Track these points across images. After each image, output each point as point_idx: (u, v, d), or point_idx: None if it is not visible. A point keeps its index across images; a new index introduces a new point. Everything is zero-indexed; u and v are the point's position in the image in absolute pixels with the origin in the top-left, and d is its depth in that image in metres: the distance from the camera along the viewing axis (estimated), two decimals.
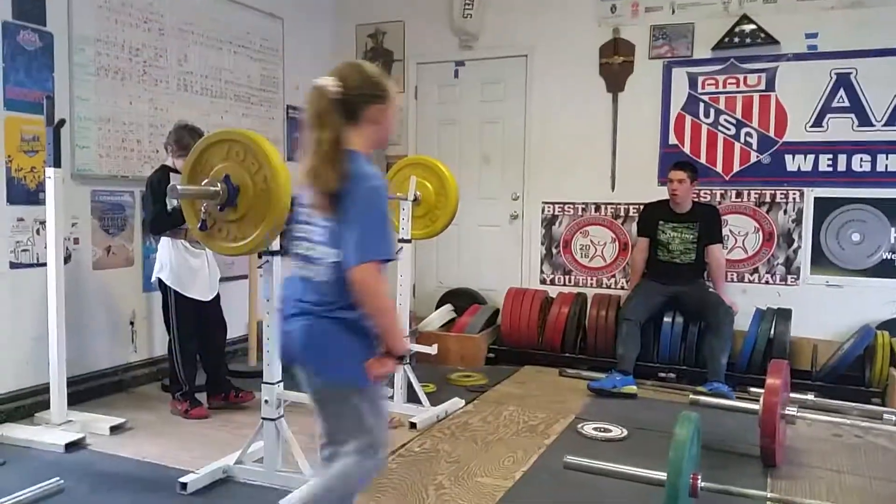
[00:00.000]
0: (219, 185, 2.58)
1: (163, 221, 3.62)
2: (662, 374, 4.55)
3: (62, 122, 3.35)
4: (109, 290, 4.16)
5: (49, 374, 3.40)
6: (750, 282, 4.88)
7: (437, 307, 5.46)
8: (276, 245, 2.86)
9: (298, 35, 5.62)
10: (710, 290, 4.56)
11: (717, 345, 4.21)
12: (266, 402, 2.87)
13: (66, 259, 3.81)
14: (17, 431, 3.32)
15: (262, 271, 2.90)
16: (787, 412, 3.11)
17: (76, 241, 3.94)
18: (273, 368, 2.88)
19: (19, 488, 2.27)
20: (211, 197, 2.60)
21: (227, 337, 4.03)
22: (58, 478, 2.27)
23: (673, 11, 5.04)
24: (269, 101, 5.43)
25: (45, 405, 3.45)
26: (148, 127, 4.37)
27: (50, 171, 3.32)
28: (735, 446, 3.33)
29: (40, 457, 3.11)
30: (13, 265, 3.58)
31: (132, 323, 4.31)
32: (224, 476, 2.92)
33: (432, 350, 3.89)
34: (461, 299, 5.50)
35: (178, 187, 2.55)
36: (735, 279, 4.88)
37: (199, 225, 2.67)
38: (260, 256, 2.89)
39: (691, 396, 3.35)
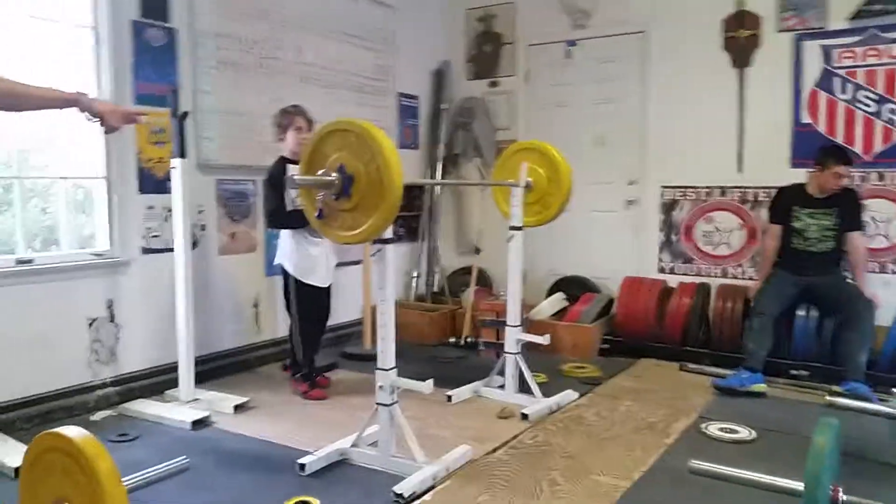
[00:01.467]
0: (334, 174, 2.61)
1: (280, 217, 3.70)
2: (794, 372, 4.23)
3: (186, 114, 3.50)
4: (234, 275, 4.34)
5: (178, 353, 3.58)
6: (894, 273, 4.45)
7: (548, 295, 5.34)
8: (389, 233, 2.86)
9: (409, 23, 5.62)
10: (849, 281, 4.18)
11: (856, 340, 3.86)
12: (381, 387, 2.89)
13: (194, 245, 4.00)
14: (149, 407, 3.52)
15: (375, 259, 2.91)
16: None
17: (202, 227, 4.12)
18: (387, 355, 2.89)
19: (150, 463, 2.38)
20: (326, 186, 2.63)
21: (343, 320, 4.10)
22: (185, 456, 2.36)
23: None
24: (381, 90, 5.47)
25: (175, 383, 3.64)
26: (267, 118, 4.46)
27: (176, 162, 3.47)
28: (878, 454, 3.04)
29: (169, 432, 3.29)
30: (145, 250, 3.80)
31: (256, 305, 4.48)
32: (340, 458, 2.98)
33: (545, 340, 3.79)
34: (573, 287, 5.36)
35: (296, 177, 2.59)
36: (877, 270, 4.47)
37: (316, 214, 2.71)
38: (373, 244, 2.90)
39: (828, 398, 3.08)
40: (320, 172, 2.65)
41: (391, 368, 2.89)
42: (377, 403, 2.90)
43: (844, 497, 2.19)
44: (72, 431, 1.95)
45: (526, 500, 2.64)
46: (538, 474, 2.85)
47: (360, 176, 2.60)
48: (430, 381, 2.87)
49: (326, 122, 2.76)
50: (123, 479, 1.98)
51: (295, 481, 2.77)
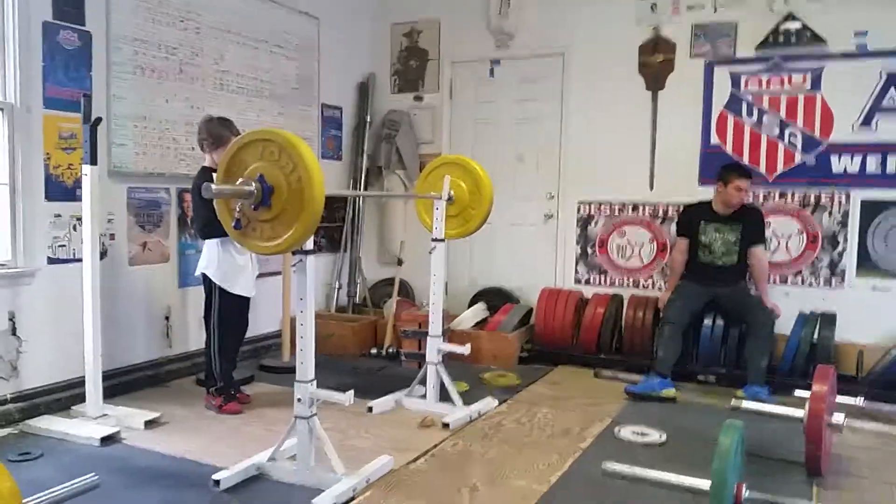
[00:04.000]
0: (253, 184, 2.57)
1: (215, 227, 3.60)
2: (702, 377, 4.45)
3: (98, 119, 3.39)
4: (145, 286, 4.19)
5: (85, 367, 3.43)
6: (793, 285, 4.73)
7: (470, 305, 5.41)
8: (310, 244, 2.84)
9: (334, 34, 5.62)
10: (752, 292, 4.43)
11: (757, 347, 4.11)
12: (299, 400, 2.85)
13: (103, 255, 3.85)
14: (54, 424, 3.36)
15: (296, 269, 2.88)
16: (833, 420, 3.00)
17: (112, 237, 3.97)
18: (307, 366, 2.86)
19: (56, 482, 2.26)
20: (245, 196, 2.59)
21: (261, 332, 4.02)
22: (93, 473, 2.26)
23: (715, 10, 4.92)
24: (304, 100, 5.44)
25: (82, 398, 3.49)
26: (184, 125, 4.39)
27: (86, 169, 3.35)
28: (778, 453, 3.23)
29: (76, 450, 3.14)
30: (51, 260, 3.62)
31: (167, 318, 4.34)
32: (257, 473, 2.92)
33: (465, 350, 3.84)
34: (494, 298, 5.45)
35: (213, 187, 2.54)
36: (778, 282, 4.74)
37: (233, 224, 2.67)
38: (294, 254, 2.87)
39: (733, 402, 3.24)
40: (239, 182, 2.61)
41: (310, 380, 2.86)
42: (295, 416, 2.86)
43: (747, 493, 2.32)
44: None
45: None
46: (459, 481, 2.89)
47: (281, 186, 2.57)
48: (351, 393, 2.86)
49: (247, 131, 2.73)
50: (25, 501, 1.89)
51: (209, 498, 2.70)
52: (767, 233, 4.62)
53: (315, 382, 2.88)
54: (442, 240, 3.87)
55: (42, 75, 3.56)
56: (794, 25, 4.69)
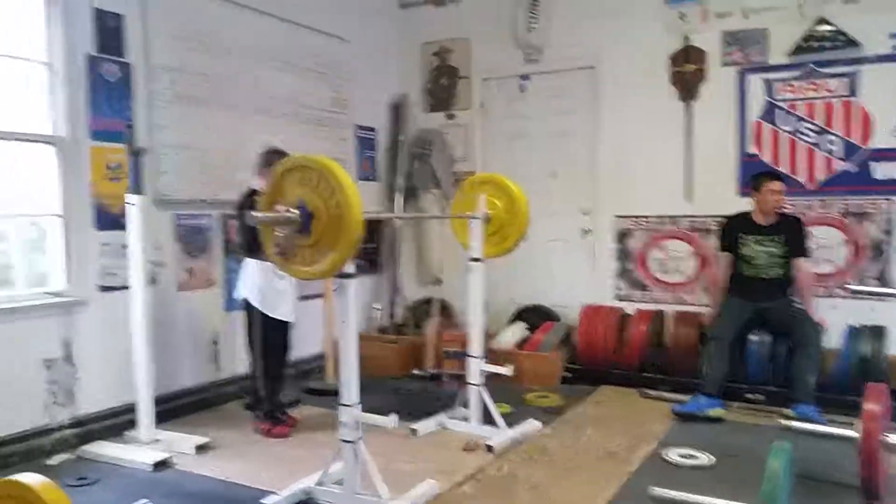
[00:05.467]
0: (294, 211, 2.62)
1: (256, 250, 3.67)
2: (750, 396, 4.34)
3: (143, 149, 3.47)
4: (193, 311, 4.28)
5: (137, 393, 3.52)
6: (840, 297, 4.62)
7: (510, 324, 5.40)
8: (350, 268, 2.87)
9: (365, 56, 5.69)
10: (798, 306, 4.33)
11: (805, 364, 3.99)
12: (344, 423, 2.87)
13: (152, 281, 3.95)
14: (109, 449, 3.44)
15: (336, 293, 2.91)
16: (891, 440, 2.91)
17: (161, 264, 4.06)
18: (351, 390, 2.88)
19: None
20: (287, 223, 2.63)
21: (304, 355, 4.06)
22: (146, 499, 2.31)
23: (745, 17, 4.86)
24: (339, 122, 5.51)
25: (135, 424, 3.57)
26: (225, 151, 4.48)
27: (132, 198, 3.44)
28: (831, 475, 3.14)
29: (130, 475, 3.21)
30: (102, 288, 3.73)
31: (215, 342, 4.41)
32: (305, 497, 2.94)
33: (508, 371, 3.83)
34: (534, 316, 5.42)
35: (256, 214, 2.60)
36: (824, 294, 4.63)
37: (275, 250, 2.71)
38: (335, 278, 2.90)
39: (782, 422, 3.18)
40: (281, 209, 2.66)
41: (355, 404, 2.88)
42: (341, 440, 2.88)
43: None
44: (30, 479, 1.91)
45: None
46: None
47: (321, 212, 2.61)
48: (395, 416, 2.88)
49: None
50: None
51: None
52: (811, 244, 4.53)
53: (360, 406, 2.90)
54: (480, 259, 3.87)
55: (87, 107, 3.67)
56: (826, 29, 4.61)
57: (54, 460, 3.36)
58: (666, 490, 2.49)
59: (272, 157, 3.65)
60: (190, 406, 4.17)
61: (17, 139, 3.45)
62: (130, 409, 3.59)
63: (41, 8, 3.54)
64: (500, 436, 3.62)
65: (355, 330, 2.94)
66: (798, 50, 4.73)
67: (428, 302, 5.62)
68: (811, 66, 4.69)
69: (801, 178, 4.74)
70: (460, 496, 2.99)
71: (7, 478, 1.91)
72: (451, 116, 6.03)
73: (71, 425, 3.53)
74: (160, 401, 3.85)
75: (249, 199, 3.67)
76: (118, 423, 3.70)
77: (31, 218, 3.61)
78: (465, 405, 3.87)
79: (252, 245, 3.57)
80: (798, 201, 4.71)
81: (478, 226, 3.87)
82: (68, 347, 3.55)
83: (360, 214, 2.59)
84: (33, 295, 3.50)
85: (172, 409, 4.03)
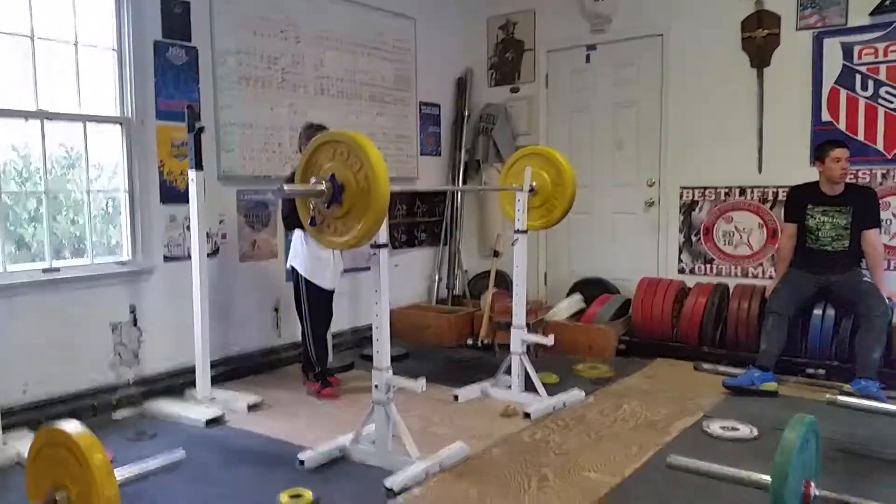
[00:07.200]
0: (324, 183, 2.73)
1: (296, 219, 3.86)
2: (811, 371, 4.17)
3: (202, 128, 3.68)
4: (256, 280, 4.52)
5: (195, 355, 3.77)
6: None
7: (568, 296, 5.38)
8: (383, 238, 2.97)
9: (430, 33, 5.75)
10: (866, 279, 4.09)
11: (869, 338, 3.78)
12: (376, 386, 3.00)
13: (215, 252, 4.22)
14: (168, 407, 3.71)
15: (370, 263, 3.02)
16: None
17: (224, 236, 4.32)
18: (382, 355, 3.00)
19: None
20: (317, 195, 2.76)
21: (364, 323, 4.17)
22: (181, 449, 2.50)
23: None
24: (402, 100, 5.61)
25: (195, 383, 3.82)
26: (288, 130, 4.68)
27: (192, 174, 3.67)
28: (878, 451, 3.00)
29: (185, 430, 3.47)
30: (167, 258, 4.01)
31: (276, 309, 4.65)
32: (340, 455, 3.10)
33: (548, 341, 3.83)
34: (592, 289, 5.38)
35: (285, 187, 2.73)
36: None
37: (309, 221, 2.84)
38: (371, 248, 3.00)
39: (828, 396, 3.05)
40: (312, 181, 2.79)
41: (386, 367, 3.00)
42: (373, 402, 3.01)
43: (817, 492, 2.20)
44: (70, 426, 2.12)
45: (514, 494, 2.71)
46: (530, 470, 2.92)
47: (351, 184, 2.72)
48: (423, 379, 2.97)
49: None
50: (117, 469, 2.15)
51: (293, 475, 2.89)
52: (885, 214, 4.25)
53: (391, 370, 3.02)
54: (525, 231, 3.89)
55: (154, 90, 3.93)
56: None
57: (119, 415, 3.66)
58: (684, 458, 2.46)
59: (311, 132, 3.80)
60: (252, 368, 4.44)
61: (89, 121, 3.75)
62: (191, 370, 3.84)
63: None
64: (540, 403, 3.65)
65: (387, 298, 3.03)
66: (880, 9, 4.41)
67: (486, 274, 5.67)
68: (895, 24, 4.37)
69: (879, 145, 4.45)
70: (488, 459, 3.06)
71: (51, 425, 2.14)
72: (515, 90, 6.01)
73: (136, 384, 3.83)
74: (223, 363, 4.14)
75: (293, 175, 3.84)
76: (180, 382, 3.98)
77: (105, 193, 3.91)
78: (509, 373, 3.92)
79: (291, 216, 3.77)
80: (876, 170, 4.43)
81: (523, 198, 3.88)
82: (134, 312, 3.85)
83: (387, 186, 2.68)
84: (104, 265, 3.80)
85: (236, 371, 4.31)
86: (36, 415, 3.40)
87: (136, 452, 2.98)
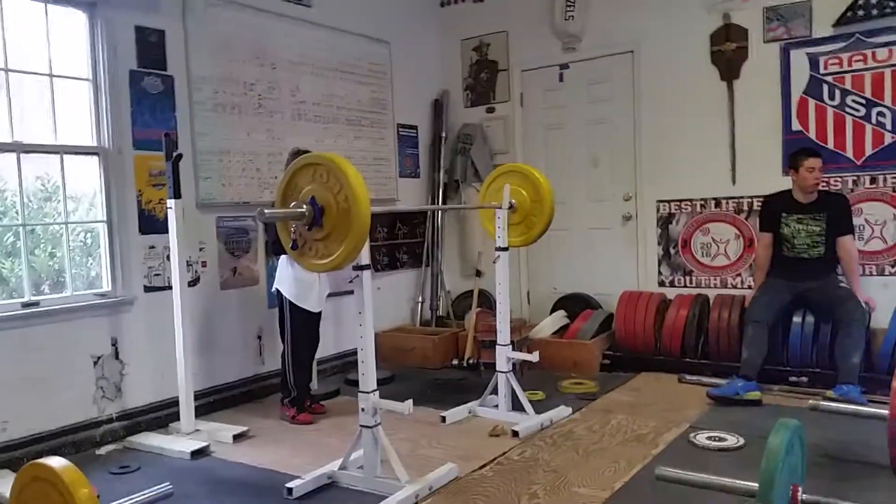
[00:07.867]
0: (304, 206, 2.73)
1: (278, 246, 3.85)
2: (793, 379, 4.22)
3: (179, 156, 3.68)
4: (237, 308, 4.48)
5: (178, 386, 3.73)
6: (891, 275, 4.41)
7: (551, 313, 5.40)
8: (366, 259, 2.98)
9: (405, 56, 5.80)
10: (842, 285, 4.16)
11: (847, 344, 3.85)
12: (363, 410, 2.98)
13: (195, 281, 4.18)
14: (152, 440, 3.66)
15: (354, 285, 3.01)
16: None
17: (204, 264, 4.29)
18: (368, 378, 2.99)
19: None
20: (297, 218, 2.76)
21: (348, 348, 4.18)
22: (168, 483, 2.47)
23: None
24: (379, 123, 5.63)
25: (179, 416, 3.78)
26: (266, 156, 4.68)
27: (170, 202, 3.65)
28: (863, 455, 3.03)
29: (169, 463, 3.41)
30: (147, 289, 3.97)
31: (259, 337, 4.61)
32: (329, 482, 3.06)
33: (533, 357, 3.84)
34: (575, 304, 5.41)
35: (266, 211, 2.73)
36: (874, 272, 4.43)
37: (290, 244, 2.84)
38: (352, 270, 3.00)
39: (810, 402, 3.09)
40: (292, 204, 2.79)
41: (373, 391, 2.98)
42: (360, 426, 2.99)
43: (804, 496, 2.22)
44: (54, 461, 2.09)
45: None
46: (520, 489, 2.91)
47: (331, 206, 2.72)
48: (409, 402, 2.96)
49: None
50: None
51: None
52: (858, 220, 4.34)
53: (378, 393, 3.00)
54: (506, 248, 3.91)
55: (131, 119, 3.91)
56: None
57: (102, 450, 3.60)
58: (672, 469, 2.47)
59: (292, 156, 3.80)
60: (235, 398, 4.38)
61: (66, 152, 3.72)
62: (175, 402, 3.79)
63: (84, 30, 3.79)
64: (527, 421, 3.65)
65: (371, 321, 3.03)
66: (843, 20, 4.53)
67: (470, 294, 5.68)
68: (858, 36, 4.49)
69: (849, 153, 4.55)
70: (478, 479, 3.05)
71: (34, 461, 2.10)
72: (491, 110, 6.07)
73: (119, 418, 3.77)
74: (207, 393, 4.08)
75: None
76: (164, 415, 3.92)
77: (83, 225, 3.87)
78: (496, 392, 3.92)
79: (279, 242, 3.74)
80: (846, 177, 4.52)
81: (503, 215, 3.90)
82: (116, 345, 3.79)
83: (368, 207, 2.68)
84: (84, 296, 3.75)
85: (217, 402, 4.25)
86: (16, 453, 3.32)
87: (121, 487, 2.93)
